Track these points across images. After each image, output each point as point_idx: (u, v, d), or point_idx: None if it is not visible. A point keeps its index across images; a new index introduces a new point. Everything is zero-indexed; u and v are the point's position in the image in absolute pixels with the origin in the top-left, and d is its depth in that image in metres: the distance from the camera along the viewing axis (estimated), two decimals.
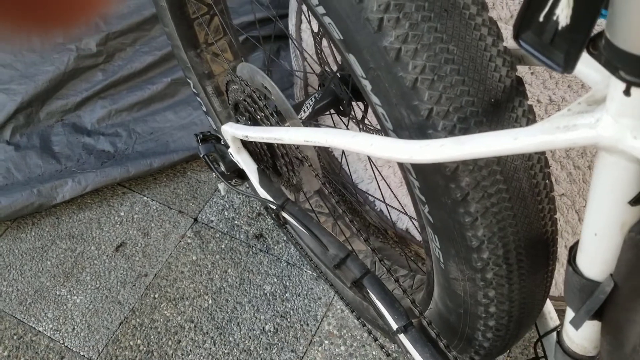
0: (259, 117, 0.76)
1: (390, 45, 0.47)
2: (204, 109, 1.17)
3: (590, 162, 1.14)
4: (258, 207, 1.33)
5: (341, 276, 0.76)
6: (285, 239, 1.29)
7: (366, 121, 0.91)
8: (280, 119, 0.75)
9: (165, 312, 1.19)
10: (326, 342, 1.16)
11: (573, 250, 0.49)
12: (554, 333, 0.73)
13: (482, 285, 0.57)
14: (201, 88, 1.10)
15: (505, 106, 0.49)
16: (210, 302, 1.20)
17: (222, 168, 0.85)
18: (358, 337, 1.16)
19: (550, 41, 0.38)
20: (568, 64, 0.38)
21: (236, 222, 1.31)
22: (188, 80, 1.12)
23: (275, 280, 1.23)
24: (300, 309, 1.20)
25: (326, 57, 0.96)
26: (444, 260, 0.59)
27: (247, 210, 1.33)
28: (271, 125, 0.74)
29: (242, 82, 0.78)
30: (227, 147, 0.84)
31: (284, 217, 0.90)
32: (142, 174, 1.33)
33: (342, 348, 1.16)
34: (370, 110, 0.92)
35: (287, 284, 1.23)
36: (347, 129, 0.81)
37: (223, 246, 1.28)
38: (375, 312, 0.76)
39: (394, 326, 0.74)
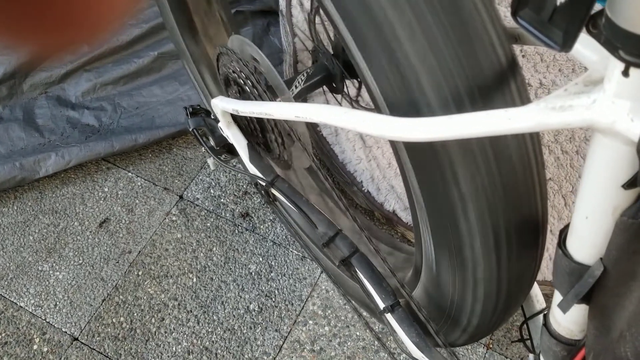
0: (249, 91, 0.75)
1: (385, 18, 0.46)
2: (193, 81, 1.15)
3: (579, 147, 1.14)
4: (245, 186, 1.32)
5: (330, 255, 0.75)
6: (271, 218, 1.28)
7: (359, 99, 0.90)
8: (271, 93, 0.74)
9: (149, 289, 1.18)
10: (310, 322, 1.16)
11: (563, 234, 0.49)
12: (540, 316, 0.74)
13: (470, 267, 0.57)
14: (191, 59, 1.08)
15: (500, 85, 0.48)
16: (194, 280, 1.19)
17: (212, 142, 0.84)
18: (342, 318, 1.16)
19: (549, 19, 0.37)
20: (566, 43, 0.37)
21: (222, 200, 1.30)
22: (177, 49, 1.10)
23: (261, 259, 1.22)
24: (285, 289, 1.19)
25: (319, 33, 0.95)
26: (433, 241, 0.59)
27: (233, 188, 1.32)
28: (262, 99, 0.72)
29: (233, 54, 0.76)
30: (217, 121, 0.83)
31: (273, 194, 0.89)
32: (127, 150, 1.31)
33: (327, 328, 1.16)
34: (364, 88, 0.91)
35: (273, 263, 1.22)
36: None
37: (208, 224, 1.26)
38: (363, 292, 0.76)
39: (381, 305, 0.74)
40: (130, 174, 1.33)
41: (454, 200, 0.51)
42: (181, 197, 1.30)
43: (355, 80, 0.87)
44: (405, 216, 1.17)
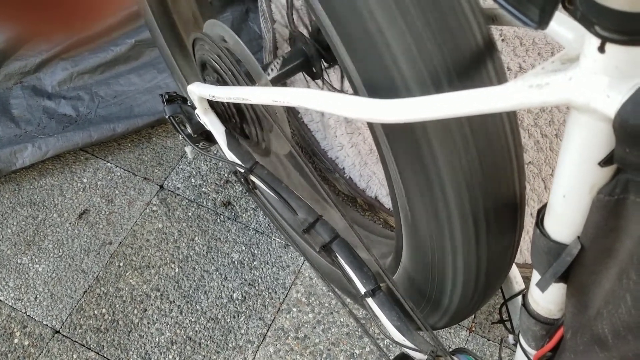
0: (226, 77, 0.74)
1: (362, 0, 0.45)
2: (169, 68, 1.13)
3: (558, 131, 1.14)
4: (226, 174, 1.31)
5: (310, 241, 0.75)
6: (253, 206, 1.27)
7: (338, 85, 0.89)
8: (248, 79, 0.73)
9: (131, 280, 1.17)
10: (294, 309, 1.16)
11: (541, 213, 0.49)
12: (519, 297, 0.74)
13: (450, 248, 0.57)
14: (165, 45, 1.06)
15: (477, 66, 0.48)
16: (177, 270, 1.18)
17: (189, 130, 0.83)
18: (326, 305, 1.16)
19: None
20: (543, 20, 0.36)
21: (203, 189, 1.29)
22: (152, 35, 1.09)
23: (244, 248, 1.22)
24: (268, 277, 1.19)
25: (296, 18, 0.94)
26: (412, 222, 0.58)
27: (214, 177, 1.31)
28: (239, 85, 0.71)
29: (209, 39, 0.75)
30: (194, 108, 0.82)
31: (252, 181, 0.88)
32: (106, 139, 1.29)
33: (310, 315, 1.16)
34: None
35: (256, 252, 1.21)
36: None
37: (190, 214, 1.25)
38: (344, 277, 0.75)
39: (362, 290, 0.74)
40: (109, 164, 1.31)
41: (432, 180, 0.51)
42: (162, 186, 1.29)
43: (333, 65, 0.86)
44: (388, 202, 1.17)
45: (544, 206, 0.48)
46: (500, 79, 0.50)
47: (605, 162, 0.41)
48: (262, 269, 1.20)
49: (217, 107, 0.79)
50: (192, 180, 1.30)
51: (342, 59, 0.51)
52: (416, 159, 0.51)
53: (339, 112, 0.49)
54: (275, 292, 1.17)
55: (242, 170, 0.77)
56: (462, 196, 0.51)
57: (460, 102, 0.41)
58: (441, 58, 0.46)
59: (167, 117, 0.82)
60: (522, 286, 0.73)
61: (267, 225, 1.24)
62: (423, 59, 0.46)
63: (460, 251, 0.56)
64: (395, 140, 0.51)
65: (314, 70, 0.86)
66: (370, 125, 0.56)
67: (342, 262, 0.75)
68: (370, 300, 0.74)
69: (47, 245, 1.19)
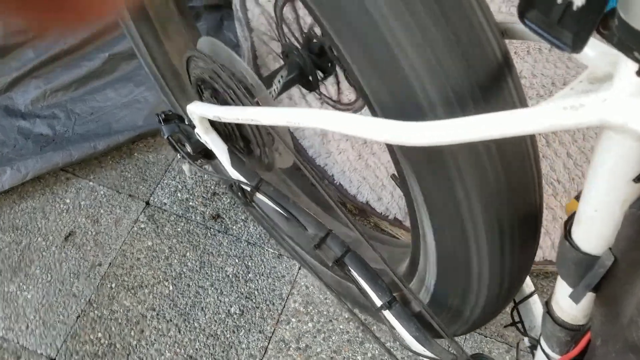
0: (226, 94, 0.73)
1: (381, 19, 0.45)
2: (159, 88, 1.11)
3: (560, 137, 1.17)
4: (213, 187, 1.29)
5: (322, 256, 0.75)
6: (243, 218, 1.26)
7: (334, 95, 0.89)
8: (248, 93, 0.72)
9: (125, 301, 1.14)
10: (293, 320, 1.16)
11: (568, 225, 0.50)
12: (530, 299, 0.76)
13: (476, 262, 0.57)
14: (154, 66, 1.04)
15: (499, 82, 0.49)
16: (171, 288, 1.16)
17: (188, 149, 0.81)
18: (325, 313, 1.16)
19: (558, 20, 0.37)
20: (576, 45, 0.37)
21: (191, 203, 1.27)
22: (139, 56, 1.06)
23: (237, 261, 1.21)
24: (264, 289, 1.18)
25: (284, 30, 0.93)
26: (437, 236, 0.59)
27: (201, 190, 1.29)
28: (241, 102, 0.70)
29: (206, 57, 0.73)
30: (193, 127, 0.80)
31: (257, 198, 0.87)
32: (86, 158, 1.25)
33: (310, 324, 1.16)
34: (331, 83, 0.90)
35: (249, 264, 1.21)
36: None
37: (179, 229, 1.23)
38: (358, 291, 0.76)
39: (378, 303, 0.74)
40: (91, 183, 1.27)
41: (459, 200, 0.52)
42: (148, 203, 1.26)
43: (330, 76, 0.86)
44: (379, 206, 1.18)
45: (571, 218, 0.50)
46: (519, 94, 0.51)
47: (639, 179, 0.42)
48: (257, 280, 1.19)
49: (218, 126, 0.78)
50: (179, 194, 1.28)
51: (360, 81, 0.51)
52: (443, 179, 0.51)
53: (364, 135, 0.49)
54: (273, 303, 1.17)
55: (249, 188, 0.76)
56: (489, 212, 0.52)
57: (494, 124, 0.42)
58: (465, 76, 0.47)
59: (165, 137, 0.81)
60: (532, 288, 0.75)
61: (258, 236, 1.24)
62: (447, 77, 0.46)
63: (486, 264, 0.57)
64: (421, 161, 0.52)
65: (310, 82, 0.86)
66: (390, 147, 0.56)
67: (356, 275, 0.75)
68: (386, 313, 0.74)
69: (35, 270, 1.16)
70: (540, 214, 0.58)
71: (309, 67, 0.82)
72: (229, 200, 1.28)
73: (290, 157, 0.78)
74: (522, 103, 0.50)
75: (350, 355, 1.13)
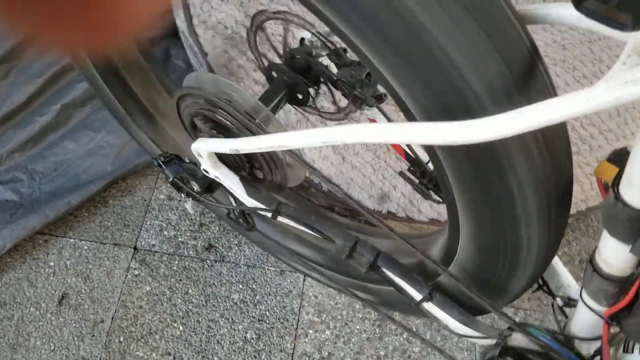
0: (228, 124, 0.72)
1: (419, 25, 0.47)
2: (139, 138, 1.08)
3: None
4: (198, 219, 1.27)
5: (354, 264, 0.76)
6: (236, 242, 1.24)
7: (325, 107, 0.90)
8: (250, 116, 0.71)
9: (138, 352, 1.10)
10: (310, 331, 1.16)
11: (615, 187, 0.53)
12: (552, 262, 0.80)
13: (525, 242, 0.60)
14: (130, 119, 1.02)
15: (533, 69, 0.51)
16: (181, 328, 1.13)
17: (195, 186, 0.79)
18: (339, 317, 1.17)
19: (617, 5, 0.40)
20: (637, 23, 0.40)
21: (180, 239, 1.24)
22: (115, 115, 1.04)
23: (241, 286, 1.19)
24: (275, 308, 1.17)
25: (259, 52, 0.92)
26: (487, 228, 0.61)
27: (187, 224, 1.26)
28: (249, 130, 0.70)
29: (200, 91, 0.72)
30: (196, 164, 0.79)
31: (252, 220, 0.86)
32: (63, 215, 1.20)
33: (327, 332, 1.16)
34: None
35: (254, 286, 1.19)
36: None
37: (175, 268, 1.20)
38: (396, 290, 0.77)
39: (418, 297, 0.76)
40: (72, 240, 1.22)
41: (511, 185, 0.54)
42: (135, 248, 1.22)
43: (318, 89, 0.86)
44: (372, 203, 1.20)
45: (619, 176, 0.53)
46: (549, 78, 0.53)
47: None
48: (266, 301, 1.18)
49: (225, 159, 0.77)
50: (165, 233, 1.25)
51: (400, 90, 0.52)
52: (494, 170, 0.53)
53: (413, 140, 0.50)
54: (287, 320, 1.16)
55: (270, 214, 0.76)
56: (538, 192, 0.55)
57: (559, 108, 0.44)
58: (504, 68, 0.49)
59: (170, 179, 0.79)
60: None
61: (256, 257, 1.23)
62: (489, 70, 0.48)
63: (535, 240, 0.59)
64: (474, 158, 0.53)
65: (299, 99, 0.86)
66: (432, 151, 0.58)
67: (391, 275, 0.76)
68: (428, 305, 0.76)
69: (35, 342, 1.09)
70: (572, 182, 0.61)
71: (299, 83, 0.83)
72: (217, 228, 1.26)
73: (302, 172, 0.79)
74: (552, 86, 0.53)
75: (372, 352, 1.14)
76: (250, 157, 0.76)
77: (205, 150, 0.73)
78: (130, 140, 1.28)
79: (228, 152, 0.68)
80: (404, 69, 0.50)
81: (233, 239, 1.25)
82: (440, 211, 1.19)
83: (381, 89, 0.83)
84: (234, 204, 0.88)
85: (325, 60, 0.85)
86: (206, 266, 1.21)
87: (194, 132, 0.81)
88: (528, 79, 0.51)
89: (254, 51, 0.91)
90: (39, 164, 1.25)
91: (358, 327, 1.17)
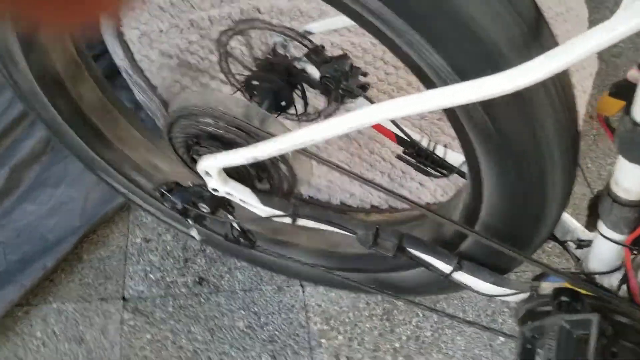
0: (235, 137, 0.71)
1: None
2: (119, 184, 1.04)
3: None
4: (182, 254, 1.22)
5: (380, 251, 0.76)
6: (227, 269, 1.21)
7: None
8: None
9: None
10: (323, 340, 1.14)
11: (630, 114, 0.57)
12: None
13: (550, 190, 0.63)
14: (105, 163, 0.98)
15: (539, 17, 0.55)
16: None
17: (205, 208, 0.77)
18: (347, 320, 1.17)
19: None
20: None
21: (168, 279, 1.19)
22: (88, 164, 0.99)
23: (243, 312, 1.16)
24: (282, 325, 1.15)
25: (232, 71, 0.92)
26: (509, 180, 0.63)
27: (171, 262, 1.22)
28: (257, 136, 0.69)
29: (197, 110, 0.71)
30: (200, 186, 0.77)
31: (254, 237, 0.85)
32: (39, 282, 1.12)
33: (340, 337, 1.15)
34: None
35: (256, 309, 1.17)
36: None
37: (170, 309, 1.15)
38: (426, 268, 0.78)
39: (448, 269, 0.78)
40: (54, 305, 1.14)
41: (539, 135, 0.57)
42: (124, 298, 1.16)
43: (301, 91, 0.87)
44: (353, 201, 1.21)
45: (630, 103, 0.57)
46: (548, 24, 0.57)
47: None
48: (272, 321, 1.15)
49: (231, 173, 0.75)
50: (151, 276, 1.19)
51: (430, 57, 0.54)
52: (522, 121, 0.56)
53: (457, 101, 0.52)
54: (297, 334, 1.14)
55: (289, 219, 0.75)
56: (561, 138, 0.58)
57: (584, 44, 0.47)
58: (518, 17, 0.52)
59: (180, 207, 0.76)
60: None
61: (250, 280, 1.20)
62: (507, 21, 0.51)
63: (558, 188, 0.62)
64: (504, 111, 0.56)
65: (283, 104, 0.86)
66: (456, 117, 0.59)
67: (419, 254, 0.77)
68: (459, 274, 0.77)
69: None
70: (579, 127, 0.65)
71: (282, 89, 0.83)
72: (203, 260, 1.22)
73: (310, 165, 0.78)
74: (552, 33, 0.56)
75: (388, 346, 1.14)
76: (257, 165, 0.75)
77: (215, 167, 0.71)
78: (94, 190, 1.23)
79: (245, 162, 0.67)
80: (436, 35, 0.52)
81: (222, 267, 1.21)
82: (420, 195, 1.22)
83: (362, 78, 0.85)
84: (234, 221, 0.86)
85: (300, 63, 0.85)
86: (202, 300, 1.17)
87: (189, 157, 0.79)
88: (538, 28, 0.54)
89: (225, 70, 0.91)
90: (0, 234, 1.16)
91: (367, 325, 1.17)
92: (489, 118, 0.57)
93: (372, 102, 0.84)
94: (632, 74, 0.57)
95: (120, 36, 1.26)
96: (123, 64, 1.26)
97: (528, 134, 0.57)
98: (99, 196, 1.22)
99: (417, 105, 0.54)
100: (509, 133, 0.58)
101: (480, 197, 0.70)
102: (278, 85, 0.82)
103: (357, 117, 0.58)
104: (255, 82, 0.81)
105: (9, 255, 1.14)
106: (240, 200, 0.75)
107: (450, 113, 0.60)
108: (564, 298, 0.64)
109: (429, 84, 0.57)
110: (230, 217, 0.84)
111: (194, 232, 0.83)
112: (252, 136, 0.69)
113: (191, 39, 1.24)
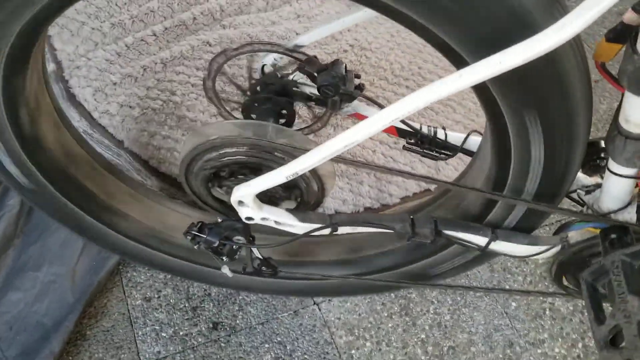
0: (262, 161, 0.71)
1: None
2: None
3: None
4: (188, 304, 1.18)
5: (419, 239, 0.77)
6: (237, 308, 1.18)
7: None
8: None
9: None
10: (353, 351, 1.14)
11: (637, 50, 0.62)
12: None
13: (575, 139, 0.67)
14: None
15: None
16: None
17: (242, 239, 0.76)
18: (369, 326, 1.17)
19: None
20: None
21: (181, 333, 1.15)
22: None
23: (268, 345, 1.13)
24: (310, 348, 1.14)
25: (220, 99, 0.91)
26: (547, 142, 0.67)
27: (180, 315, 1.17)
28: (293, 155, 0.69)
29: (218, 142, 0.70)
30: (230, 218, 0.75)
31: (271, 266, 0.84)
32: None
33: (368, 344, 1.15)
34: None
35: (280, 339, 1.15)
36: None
37: None
38: (461, 245, 0.80)
39: (484, 240, 0.80)
40: None
41: (571, 95, 0.61)
42: None
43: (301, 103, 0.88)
44: (346, 208, 1.22)
45: (635, 38, 0.62)
46: None
47: None
48: (299, 347, 1.14)
49: (262, 198, 0.74)
50: (164, 334, 1.14)
51: (452, 35, 0.56)
52: (555, 80, 0.60)
53: (505, 66, 0.54)
54: (327, 352, 1.13)
55: (329, 230, 0.75)
56: (585, 88, 0.63)
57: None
58: None
59: (215, 245, 0.74)
60: None
61: (264, 312, 1.18)
62: None
63: (581, 143, 0.67)
64: (535, 76, 0.59)
65: (286, 120, 0.87)
66: (487, 92, 0.62)
67: (454, 233, 0.80)
68: (495, 243, 0.80)
69: None
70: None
71: (285, 105, 0.83)
72: (211, 304, 1.18)
73: (332, 168, 0.78)
74: None
75: (415, 340, 1.16)
76: (284, 185, 0.75)
77: (250, 194, 0.70)
78: (79, 261, 1.16)
79: (285, 180, 0.67)
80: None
81: (232, 306, 1.18)
82: (407, 187, 1.25)
83: (357, 80, 0.87)
84: (256, 251, 0.85)
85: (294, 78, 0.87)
86: (222, 345, 1.13)
87: (208, 194, 0.78)
88: None
89: (214, 99, 0.90)
90: None
91: (390, 325, 1.18)
92: (526, 84, 0.60)
93: (373, 102, 0.87)
94: (629, 17, 0.63)
95: (71, 99, 1.21)
96: (81, 125, 1.21)
97: (561, 90, 0.61)
98: (86, 267, 1.16)
99: (454, 84, 0.57)
100: (546, 94, 0.61)
101: (509, 163, 0.73)
102: (280, 100, 0.82)
103: (394, 110, 0.60)
104: (258, 99, 0.81)
105: (7, 351, 1.06)
106: (276, 222, 0.75)
107: (482, 89, 0.63)
108: (613, 235, 0.68)
109: (459, 61, 0.60)
110: (254, 247, 0.83)
111: (226, 270, 0.81)
112: (283, 154, 0.69)
113: (148, 85, 1.21)
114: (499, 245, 0.81)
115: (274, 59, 0.84)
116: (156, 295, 1.19)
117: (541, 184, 0.75)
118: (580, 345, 1.18)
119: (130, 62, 1.23)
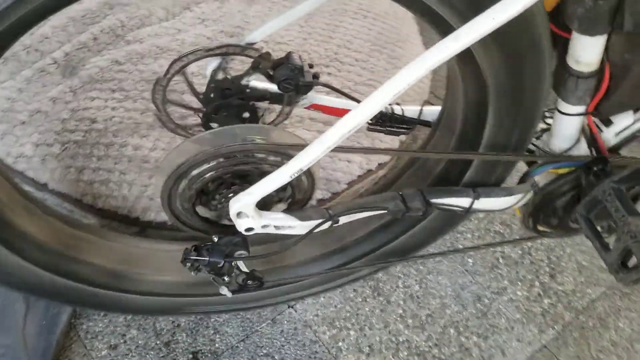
0: (263, 165, 0.68)
1: None
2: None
3: None
4: (159, 340, 1.10)
5: (413, 214, 0.78)
6: (212, 332, 1.12)
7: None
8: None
9: None
10: (340, 344, 1.14)
11: None
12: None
13: (544, 81, 0.72)
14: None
15: None
16: None
17: (243, 252, 0.72)
18: (348, 315, 1.17)
19: None
20: None
21: None
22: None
23: None
24: (298, 352, 1.12)
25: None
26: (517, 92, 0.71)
27: (154, 354, 1.09)
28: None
29: (210, 155, 0.66)
30: (230, 232, 0.71)
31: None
32: None
33: (352, 332, 1.15)
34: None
35: (265, 351, 1.11)
36: None
37: None
38: (449, 212, 0.83)
39: (468, 202, 0.83)
40: None
41: (543, 49, 0.64)
42: None
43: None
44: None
45: None
46: None
47: None
48: (286, 353, 1.11)
49: (262, 204, 0.71)
50: None
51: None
52: (530, 33, 0.63)
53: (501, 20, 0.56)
54: (316, 352, 1.12)
55: (330, 224, 0.73)
56: (548, 38, 0.67)
57: None
58: None
59: (222, 264, 0.69)
60: None
61: (242, 329, 1.13)
62: None
63: (544, 91, 0.72)
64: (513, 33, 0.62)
65: (249, 120, 0.84)
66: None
67: (441, 201, 0.82)
68: (478, 202, 0.83)
69: None
70: None
71: (246, 106, 0.80)
72: (184, 334, 1.12)
73: (319, 166, 0.77)
74: None
75: (393, 317, 1.18)
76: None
77: (251, 203, 0.66)
78: (27, 326, 1.03)
79: (289, 179, 0.64)
80: None
81: (206, 331, 1.12)
82: (351, 171, 1.26)
83: (312, 70, 0.86)
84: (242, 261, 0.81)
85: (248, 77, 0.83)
86: None
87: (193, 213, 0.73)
88: None
89: (164, 118, 0.84)
90: None
91: (367, 309, 1.19)
92: (507, 40, 0.63)
93: (332, 89, 0.86)
94: None
95: None
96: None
97: (533, 43, 0.64)
98: (37, 330, 1.03)
99: (448, 50, 0.58)
100: (523, 48, 0.65)
101: (483, 122, 0.76)
102: (241, 102, 0.79)
103: (391, 87, 0.60)
104: (220, 104, 0.77)
105: None
106: (276, 227, 0.72)
107: (464, 56, 0.65)
108: (595, 168, 0.74)
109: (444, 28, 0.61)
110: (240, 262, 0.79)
111: (225, 291, 0.77)
112: (278, 154, 0.67)
113: (62, 117, 1.10)
114: (481, 204, 0.85)
115: (222, 63, 0.80)
116: (122, 341, 1.10)
117: (514, 134, 0.79)
118: (537, 283, 1.27)
119: (34, 96, 1.11)
